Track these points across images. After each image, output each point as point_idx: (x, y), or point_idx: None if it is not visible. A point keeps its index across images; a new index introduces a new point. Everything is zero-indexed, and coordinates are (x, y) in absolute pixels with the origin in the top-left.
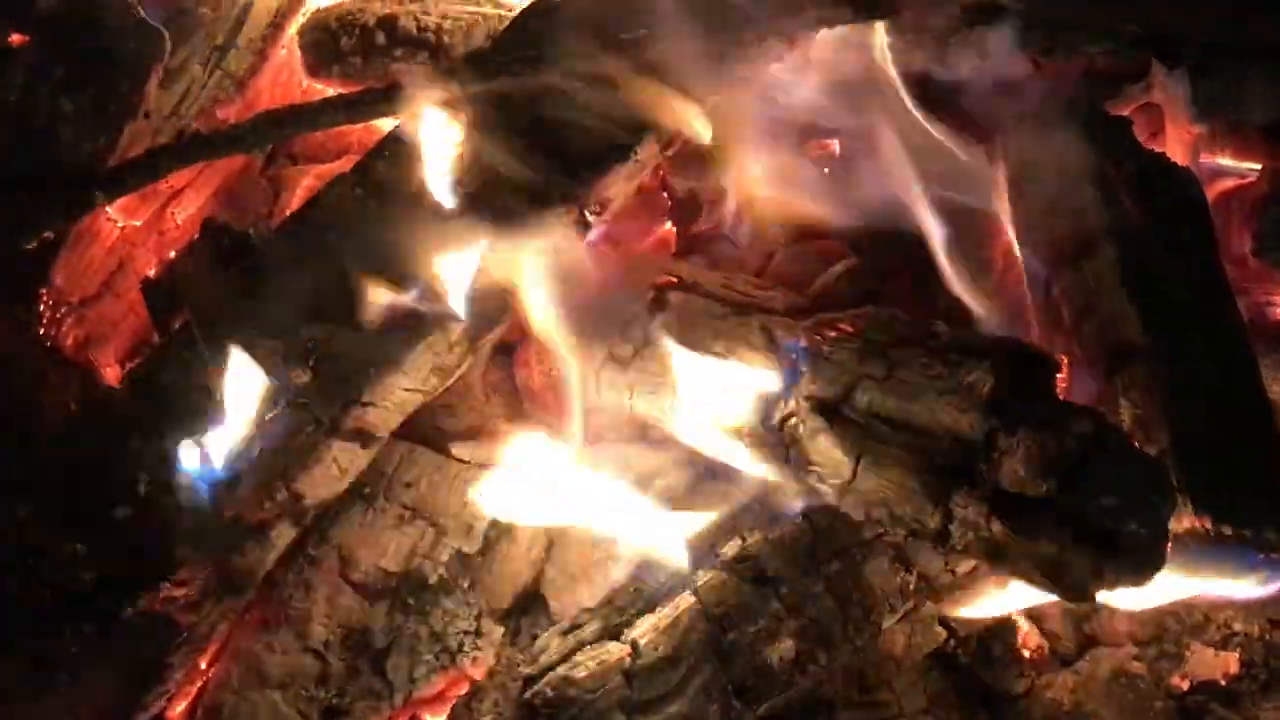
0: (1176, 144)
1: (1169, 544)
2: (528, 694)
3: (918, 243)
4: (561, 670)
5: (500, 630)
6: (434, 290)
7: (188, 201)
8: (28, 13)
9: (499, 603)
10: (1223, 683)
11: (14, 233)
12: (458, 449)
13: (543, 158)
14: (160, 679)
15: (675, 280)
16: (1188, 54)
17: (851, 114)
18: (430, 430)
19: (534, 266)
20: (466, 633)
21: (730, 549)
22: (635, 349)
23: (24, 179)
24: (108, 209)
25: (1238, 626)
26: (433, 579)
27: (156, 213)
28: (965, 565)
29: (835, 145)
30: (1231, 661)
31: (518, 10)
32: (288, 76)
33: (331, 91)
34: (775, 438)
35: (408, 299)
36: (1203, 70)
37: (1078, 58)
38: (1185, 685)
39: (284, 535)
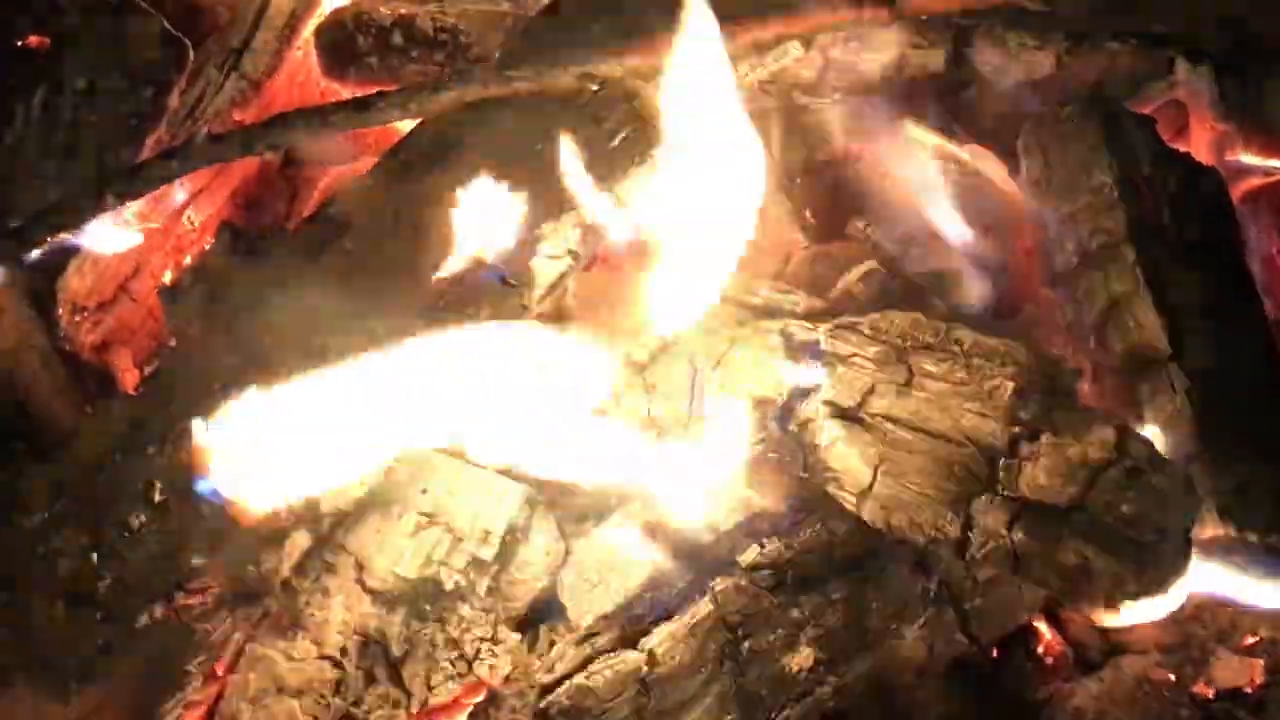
0: (1201, 142)
1: (1192, 552)
2: (543, 703)
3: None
4: (578, 679)
5: (517, 637)
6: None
7: (204, 204)
8: (51, 20)
9: (516, 610)
10: (1249, 690)
11: (27, 235)
12: (473, 454)
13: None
14: (177, 686)
15: None
16: (1212, 52)
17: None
18: None
19: None
20: (483, 640)
21: (748, 556)
22: (652, 353)
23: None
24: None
25: (1264, 633)
26: (449, 586)
27: (172, 216)
28: (987, 572)
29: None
30: (1257, 669)
31: (536, 11)
32: (305, 78)
33: (348, 93)
34: (793, 443)
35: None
36: (1227, 68)
37: (1101, 56)
38: (1210, 693)
39: (300, 543)
